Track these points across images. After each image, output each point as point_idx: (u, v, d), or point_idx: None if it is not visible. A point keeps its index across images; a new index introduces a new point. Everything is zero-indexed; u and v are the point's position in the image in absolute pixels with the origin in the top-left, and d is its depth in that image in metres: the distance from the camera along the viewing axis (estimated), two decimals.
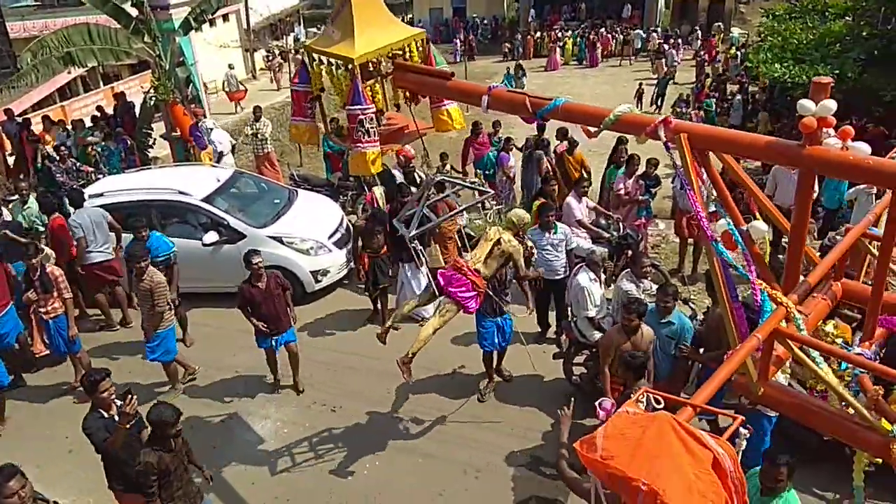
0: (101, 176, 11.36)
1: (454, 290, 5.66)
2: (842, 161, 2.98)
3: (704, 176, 3.55)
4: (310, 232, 9.34)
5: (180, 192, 9.21)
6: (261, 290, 6.94)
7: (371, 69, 5.03)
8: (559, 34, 31.43)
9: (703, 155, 3.51)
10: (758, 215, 3.82)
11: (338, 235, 9.57)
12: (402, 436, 6.73)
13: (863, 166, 2.94)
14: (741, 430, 2.57)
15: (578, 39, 30.74)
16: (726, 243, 3.42)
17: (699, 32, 30.78)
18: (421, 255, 5.76)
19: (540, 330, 8.06)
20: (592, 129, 3.91)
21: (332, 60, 4.93)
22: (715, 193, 3.56)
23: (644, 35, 30.81)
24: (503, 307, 6.74)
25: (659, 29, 31.38)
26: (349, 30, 4.69)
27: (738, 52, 25.66)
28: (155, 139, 14.10)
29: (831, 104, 2.97)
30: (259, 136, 13.02)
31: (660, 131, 3.52)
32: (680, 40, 29.60)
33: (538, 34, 32.18)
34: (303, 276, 9.05)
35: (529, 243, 6.83)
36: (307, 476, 6.31)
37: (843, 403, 3.10)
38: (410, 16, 39.57)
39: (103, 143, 12.89)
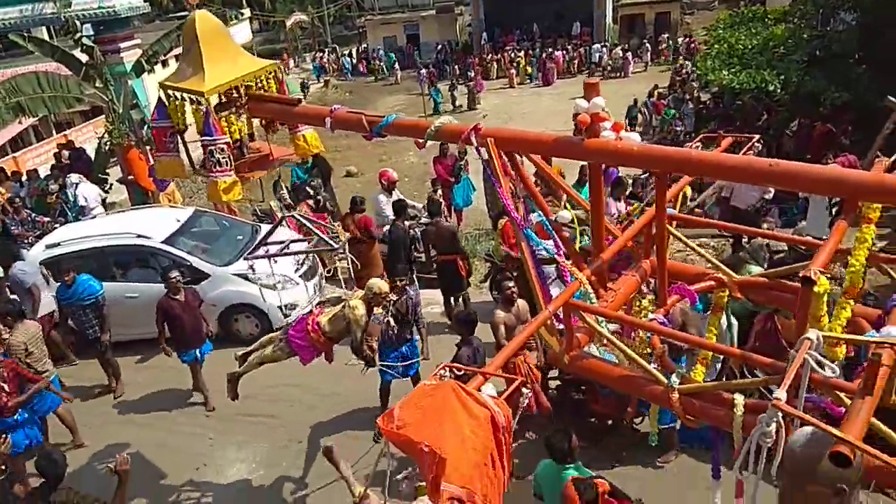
0: (57, 225, 11.12)
1: (292, 333, 5.92)
2: (614, 150, 3.43)
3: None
4: (275, 266, 9.21)
5: (139, 236, 9.04)
6: (180, 302, 7.28)
7: (225, 101, 5.17)
8: (512, 55, 31.94)
9: (510, 156, 3.92)
10: (568, 206, 4.42)
11: (304, 268, 9.46)
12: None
13: (633, 153, 3.40)
14: (523, 390, 2.94)
15: (533, 60, 31.27)
16: (539, 233, 3.93)
17: (648, 45, 31.55)
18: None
19: None
20: (420, 140, 4.24)
21: (188, 95, 5.07)
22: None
23: (601, 50, 31.43)
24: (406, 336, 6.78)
25: (608, 44, 32.08)
26: (199, 65, 4.89)
27: (687, 62, 26.32)
28: (112, 184, 13.89)
29: (600, 101, 3.41)
30: None
31: (472, 137, 3.87)
32: (629, 53, 30.32)
33: (490, 56, 32.64)
34: (270, 312, 8.90)
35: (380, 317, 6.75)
36: None
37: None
38: (365, 45, 39.87)
39: (66, 190, 12.57)
